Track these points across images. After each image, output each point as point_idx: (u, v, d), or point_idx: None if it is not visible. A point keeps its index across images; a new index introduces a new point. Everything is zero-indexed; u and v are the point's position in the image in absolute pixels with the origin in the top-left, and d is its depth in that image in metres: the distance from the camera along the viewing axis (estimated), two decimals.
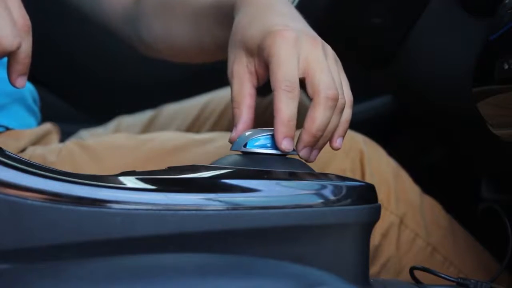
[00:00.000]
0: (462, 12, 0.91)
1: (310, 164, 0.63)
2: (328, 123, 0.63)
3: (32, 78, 0.60)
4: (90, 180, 0.52)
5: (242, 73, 0.67)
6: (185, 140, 0.84)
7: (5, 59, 0.72)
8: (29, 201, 0.50)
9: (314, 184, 0.57)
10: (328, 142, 0.65)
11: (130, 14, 0.94)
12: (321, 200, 0.56)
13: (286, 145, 0.61)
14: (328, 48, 0.66)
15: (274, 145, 0.62)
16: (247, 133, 0.63)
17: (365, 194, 0.58)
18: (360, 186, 0.59)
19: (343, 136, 0.66)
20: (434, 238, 0.86)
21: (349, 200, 0.57)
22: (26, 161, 0.53)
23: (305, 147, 0.63)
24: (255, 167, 0.59)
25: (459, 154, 1.18)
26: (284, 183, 0.56)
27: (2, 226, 0.49)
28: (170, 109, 1.10)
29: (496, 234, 0.81)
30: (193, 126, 1.03)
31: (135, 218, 0.51)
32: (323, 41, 0.66)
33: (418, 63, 0.96)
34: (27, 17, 0.58)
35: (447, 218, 0.89)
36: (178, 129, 1.04)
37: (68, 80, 1.50)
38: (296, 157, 0.63)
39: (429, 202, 0.89)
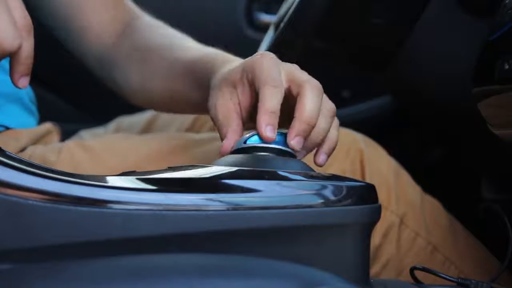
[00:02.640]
0: (462, 12, 0.91)
1: (310, 164, 0.63)
2: (318, 112, 0.64)
3: (32, 78, 0.60)
4: (90, 180, 0.52)
5: (226, 104, 0.67)
6: (185, 140, 0.84)
7: (2, 62, 0.72)
8: (29, 201, 0.50)
9: (314, 184, 0.57)
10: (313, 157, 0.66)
11: (108, 58, 0.94)
12: (322, 200, 0.56)
13: (268, 132, 0.62)
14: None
15: (274, 142, 0.62)
16: (247, 134, 0.63)
17: (366, 194, 0.58)
18: (360, 186, 0.59)
19: (328, 155, 0.67)
20: (434, 237, 0.86)
21: (349, 200, 0.57)
22: (27, 161, 0.53)
23: (297, 135, 0.63)
24: (256, 167, 0.59)
25: (459, 154, 1.18)
26: (284, 183, 0.56)
27: (2, 226, 0.49)
28: None
29: (496, 234, 0.81)
30: (193, 126, 1.03)
31: (135, 218, 0.51)
32: None
33: (418, 63, 0.96)
34: (28, 17, 0.58)
35: (447, 218, 0.89)
36: (178, 129, 1.04)
37: (69, 80, 1.50)
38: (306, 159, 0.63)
39: (430, 202, 0.89)
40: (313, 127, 0.63)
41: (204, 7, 1.46)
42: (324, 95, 0.66)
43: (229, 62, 0.73)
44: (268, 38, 1.04)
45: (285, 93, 0.64)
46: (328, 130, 0.66)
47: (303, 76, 0.65)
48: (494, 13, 0.74)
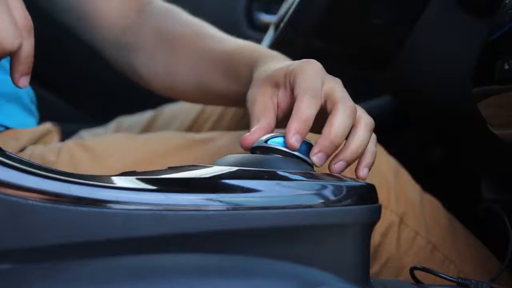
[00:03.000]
0: (462, 12, 0.91)
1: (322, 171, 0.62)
2: (346, 132, 0.63)
3: (32, 78, 0.60)
4: (90, 180, 0.52)
5: (265, 101, 0.67)
6: (185, 140, 0.84)
7: (2, 62, 0.72)
8: (29, 201, 0.50)
9: (314, 184, 0.57)
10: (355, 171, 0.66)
11: (124, 43, 0.93)
12: (322, 200, 0.56)
13: (294, 140, 0.61)
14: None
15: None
16: (270, 134, 0.63)
17: (366, 194, 0.58)
18: (360, 186, 0.59)
19: (369, 168, 0.66)
20: (434, 236, 0.86)
21: (349, 200, 0.57)
22: (27, 161, 0.53)
23: (320, 151, 0.62)
24: (256, 167, 0.59)
25: (459, 154, 1.18)
26: (284, 183, 0.56)
27: (2, 226, 0.49)
28: (170, 109, 1.10)
29: (496, 234, 0.81)
30: (193, 126, 1.03)
31: (135, 218, 0.51)
32: None
33: (418, 63, 0.96)
34: (28, 17, 0.58)
35: (447, 217, 0.89)
36: (178, 129, 1.04)
37: (69, 80, 1.50)
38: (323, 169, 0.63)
39: (429, 201, 0.89)
40: (337, 146, 0.63)
41: (204, 7, 1.46)
42: (363, 110, 0.66)
43: (276, 58, 0.73)
44: (268, 38, 1.04)
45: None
46: (368, 143, 0.65)
47: (340, 94, 0.64)
48: (494, 13, 0.74)
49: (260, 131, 0.65)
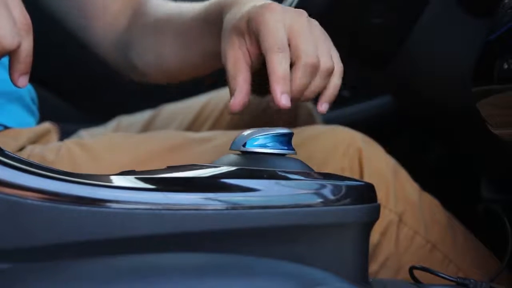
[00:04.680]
0: (462, 12, 0.91)
1: (308, 162, 0.62)
2: (307, 87, 0.66)
3: (32, 78, 0.60)
4: (89, 180, 0.52)
5: (235, 53, 0.69)
6: (185, 139, 0.84)
7: (3, 60, 0.72)
8: (28, 201, 0.50)
9: (314, 183, 0.57)
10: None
11: (122, 41, 0.95)
12: (321, 200, 0.56)
13: (284, 101, 0.64)
14: (314, 21, 0.69)
15: (273, 145, 0.62)
16: (245, 133, 0.63)
17: (365, 194, 0.58)
18: (359, 185, 0.59)
19: (329, 102, 0.69)
20: (433, 235, 0.85)
21: (348, 200, 0.57)
22: (26, 161, 0.53)
23: (282, 93, 0.65)
24: (255, 166, 0.59)
25: (459, 154, 1.18)
26: (283, 183, 0.56)
27: (2, 226, 0.49)
28: (170, 109, 1.10)
29: (496, 234, 0.81)
30: (193, 126, 1.03)
31: (134, 217, 0.51)
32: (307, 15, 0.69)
33: (418, 63, 0.96)
34: (27, 16, 0.58)
35: (446, 216, 0.89)
36: (178, 128, 1.04)
37: (68, 80, 1.50)
38: (295, 156, 0.63)
39: (428, 200, 0.89)
40: (299, 97, 0.67)
41: None
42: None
43: (238, 4, 0.74)
44: None
45: None
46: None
47: (302, 45, 0.66)
48: (494, 13, 0.74)
49: (240, 92, 0.67)
